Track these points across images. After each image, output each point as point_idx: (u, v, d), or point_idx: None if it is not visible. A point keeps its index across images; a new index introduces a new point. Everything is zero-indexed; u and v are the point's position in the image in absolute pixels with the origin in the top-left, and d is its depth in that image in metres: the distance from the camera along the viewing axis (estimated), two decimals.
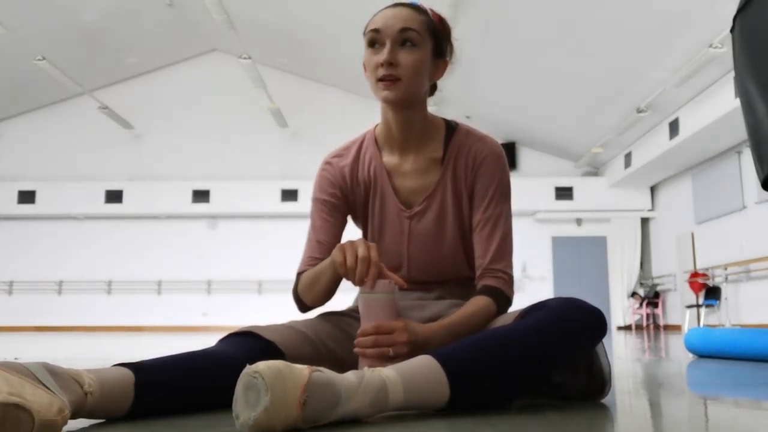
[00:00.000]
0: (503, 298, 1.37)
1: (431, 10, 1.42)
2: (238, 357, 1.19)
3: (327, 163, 1.51)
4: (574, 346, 1.20)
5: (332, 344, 1.37)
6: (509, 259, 1.41)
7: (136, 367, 1.07)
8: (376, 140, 1.49)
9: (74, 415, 0.95)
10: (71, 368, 0.97)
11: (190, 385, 1.12)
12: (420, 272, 1.47)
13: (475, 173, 1.43)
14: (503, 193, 1.43)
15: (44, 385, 0.88)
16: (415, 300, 1.46)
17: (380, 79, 1.33)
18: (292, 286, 1.45)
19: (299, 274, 1.43)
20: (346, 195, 1.49)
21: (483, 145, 1.44)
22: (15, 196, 13.16)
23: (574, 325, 1.18)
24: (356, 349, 1.22)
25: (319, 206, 1.48)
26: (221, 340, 1.29)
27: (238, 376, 1.14)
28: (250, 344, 1.26)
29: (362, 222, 1.52)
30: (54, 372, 0.93)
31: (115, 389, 1.02)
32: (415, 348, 1.19)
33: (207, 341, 1.31)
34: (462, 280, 1.49)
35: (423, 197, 1.44)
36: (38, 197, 13.15)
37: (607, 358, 1.33)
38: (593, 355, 1.28)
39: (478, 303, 1.34)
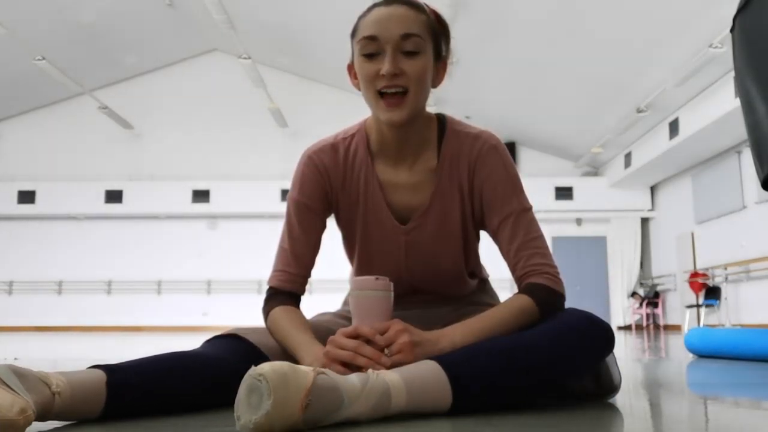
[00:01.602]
0: (545, 293, 1.22)
1: (426, 5, 1.28)
2: (219, 360, 1.18)
3: (309, 158, 1.35)
4: (581, 361, 1.18)
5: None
6: (545, 251, 1.27)
7: (111, 369, 1.05)
8: (368, 145, 1.34)
9: (42, 417, 0.94)
10: (40, 370, 0.97)
11: (165, 387, 1.10)
12: (421, 284, 1.41)
13: (474, 175, 1.31)
14: (513, 186, 1.29)
15: (8, 386, 0.88)
16: (414, 309, 1.41)
17: (381, 92, 1.21)
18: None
19: (271, 291, 1.33)
20: (329, 198, 1.36)
21: (477, 142, 1.31)
22: (15, 196, 13.16)
23: (584, 341, 1.17)
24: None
25: (299, 211, 1.33)
26: (206, 343, 1.27)
27: (216, 378, 1.13)
28: (234, 347, 1.23)
29: (347, 230, 1.40)
30: (20, 373, 0.92)
31: (86, 390, 1.01)
32: (422, 352, 1.11)
33: None
34: (466, 297, 1.45)
35: (419, 212, 1.33)
36: (38, 197, 13.16)
37: (617, 367, 1.32)
38: (602, 366, 1.27)
39: (512, 301, 1.22)
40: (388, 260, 1.37)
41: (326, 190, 1.35)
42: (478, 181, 1.31)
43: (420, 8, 1.25)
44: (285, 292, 1.33)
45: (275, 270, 1.35)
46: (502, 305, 1.24)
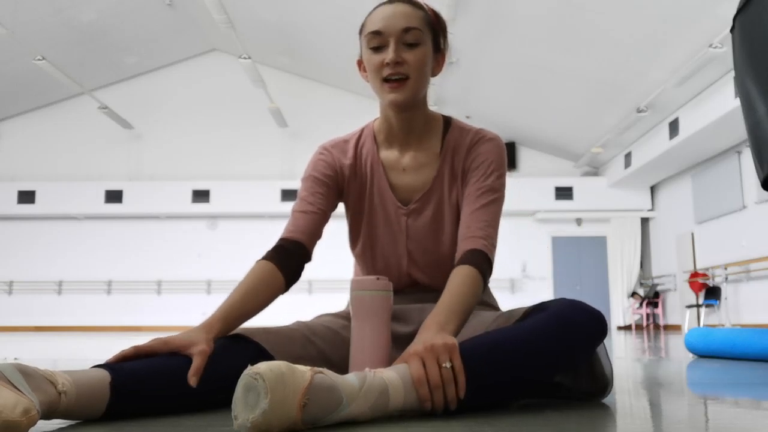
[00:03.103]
0: (481, 258, 1.29)
1: (425, 3, 1.42)
2: (223, 360, 1.18)
3: (324, 148, 1.48)
4: (575, 349, 1.19)
5: (323, 345, 1.34)
6: (495, 231, 1.35)
7: (115, 369, 1.05)
8: (374, 136, 1.47)
9: (48, 416, 0.94)
10: (46, 369, 0.97)
11: (169, 387, 1.10)
12: (420, 272, 1.45)
13: (468, 156, 1.41)
14: (499, 171, 1.39)
15: (13, 385, 0.88)
16: (413, 303, 1.44)
17: (386, 79, 1.33)
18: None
19: (276, 243, 1.36)
20: (340, 185, 1.46)
21: (478, 134, 1.44)
22: (15, 196, 13.16)
23: (575, 328, 1.18)
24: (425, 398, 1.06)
25: (311, 183, 1.43)
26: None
27: (220, 379, 1.13)
28: (238, 347, 1.23)
29: (355, 218, 1.48)
30: (26, 372, 0.92)
31: (91, 390, 1.00)
32: (452, 342, 1.10)
33: None
34: None
35: (420, 194, 1.43)
36: (38, 197, 13.16)
37: (609, 359, 1.33)
38: (595, 357, 1.28)
39: (461, 276, 1.26)
40: (391, 243, 1.44)
41: (336, 171, 1.45)
42: (470, 161, 1.41)
43: (419, 6, 1.39)
44: (285, 244, 1.35)
45: (285, 227, 1.40)
46: (456, 283, 1.25)
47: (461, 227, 1.36)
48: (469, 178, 1.40)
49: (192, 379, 1.07)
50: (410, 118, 1.41)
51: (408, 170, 1.44)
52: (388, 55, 1.31)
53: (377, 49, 1.34)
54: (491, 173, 1.38)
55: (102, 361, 1.09)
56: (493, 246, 1.33)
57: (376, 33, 1.33)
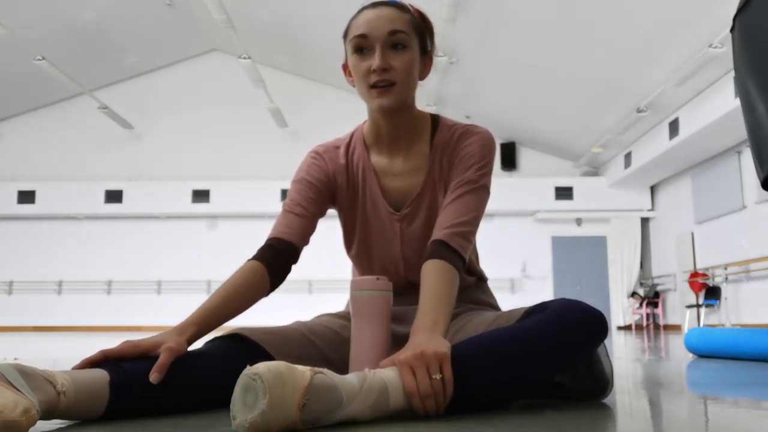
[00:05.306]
0: (445, 248, 1.27)
1: (411, 5, 1.38)
2: (222, 360, 1.18)
3: (317, 153, 1.45)
4: (575, 349, 1.19)
5: (323, 345, 1.34)
6: (470, 222, 1.31)
7: (114, 368, 1.05)
8: (364, 140, 1.45)
9: (48, 416, 0.94)
10: (45, 369, 0.97)
11: (168, 387, 1.08)
12: (418, 275, 1.40)
13: (454, 152, 1.38)
14: (481, 163, 1.36)
15: (13, 385, 0.88)
16: (412, 305, 1.41)
17: (373, 86, 1.30)
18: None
19: (264, 243, 1.36)
20: (332, 191, 1.43)
21: (465, 129, 1.41)
22: (15, 196, 13.15)
23: (575, 328, 1.17)
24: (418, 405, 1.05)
25: (303, 186, 1.40)
26: (209, 342, 1.27)
27: (219, 379, 1.12)
28: (237, 347, 1.23)
29: (348, 224, 1.47)
30: (25, 372, 0.92)
31: (91, 390, 1.00)
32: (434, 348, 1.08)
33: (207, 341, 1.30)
34: (464, 295, 1.45)
35: (411, 198, 1.40)
36: (38, 197, 13.15)
37: (609, 358, 1.32)
38: (595, 356, 1.28)
39: (436, 272, 1.25)
40: (386, 248, 1.43)
41: (329, 177, 1.43)
42: (454, 157, 1.38)
43: (404, 8, 1.36)
44: (276, 245, 1.34)
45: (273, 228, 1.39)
46: (432, 279, 1.24)
47: (443, 216, 1.33)
48: (451, 173, 1.38)
49: (153, 375, 1.05)
50: (398, 121, 1.38)
51: (399, 174, 1.41)
52: (375, 61, 1.28)
53: (363, 52, 1.31)
54: (471, 166, 1.36)
55: (99, 362, 1.08)
56: (462, 236, 1.29)
57: (362, 37, 1.30)
